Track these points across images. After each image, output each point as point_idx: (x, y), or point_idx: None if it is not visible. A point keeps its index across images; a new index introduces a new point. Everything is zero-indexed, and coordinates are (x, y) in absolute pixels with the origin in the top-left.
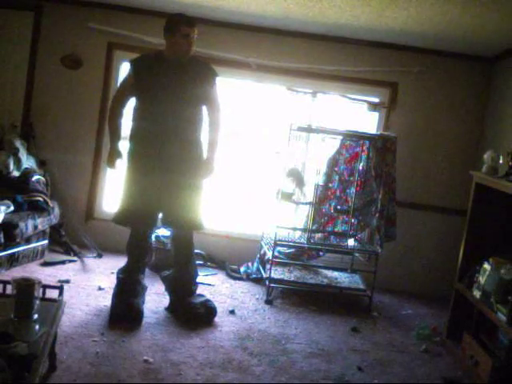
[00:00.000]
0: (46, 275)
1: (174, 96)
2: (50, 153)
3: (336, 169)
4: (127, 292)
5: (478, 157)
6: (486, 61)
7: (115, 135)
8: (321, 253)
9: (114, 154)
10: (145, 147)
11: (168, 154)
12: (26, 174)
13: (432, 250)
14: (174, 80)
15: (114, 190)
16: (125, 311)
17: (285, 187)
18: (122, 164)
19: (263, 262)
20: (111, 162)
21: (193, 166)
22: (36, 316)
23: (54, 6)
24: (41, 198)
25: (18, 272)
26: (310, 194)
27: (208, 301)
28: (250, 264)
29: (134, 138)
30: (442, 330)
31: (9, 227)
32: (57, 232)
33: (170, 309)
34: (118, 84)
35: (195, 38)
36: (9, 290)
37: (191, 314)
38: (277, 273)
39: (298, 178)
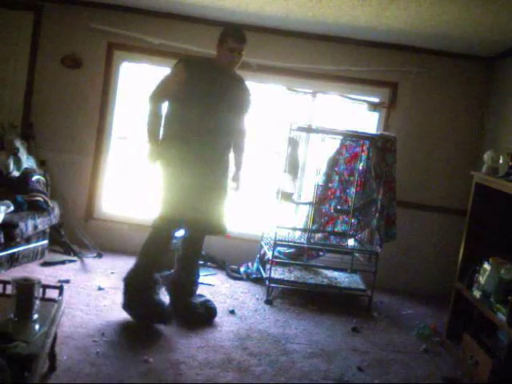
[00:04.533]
0: (46, 275)
1: (223, 106)
2: (49, 153)
3: (336, 169)
4: (148, 291)
5: (478, 157)
6: (485, 61)
7: (158, 133)
8: (321, 253)
9: (156, 152)
10: (188, 152)
11: (208, 160)
12: (26, 174)
13: (432, 250)
14: (223, 90)
15: (113, 190)
16: (152, 312)
17: (285, 187)
18: (160, 167)
19: (263, 261)
20: (153, 160)
21: (225, 172)
22: (36, 316)
23: (54, 6)
24: (41, 198)
25: (18, 272)
26: (305, 190)
27: (208, 301)
28: (250, 264)
29: (175, 140)
30: (442, 330)
31: (9, 227)
32: (57, 232)
33: (171, 307)
34: (161, 80)
35: (242, 54)
36: (9, 289)
37: (191, 313)
38: (277, 273)
39: (293, 168)
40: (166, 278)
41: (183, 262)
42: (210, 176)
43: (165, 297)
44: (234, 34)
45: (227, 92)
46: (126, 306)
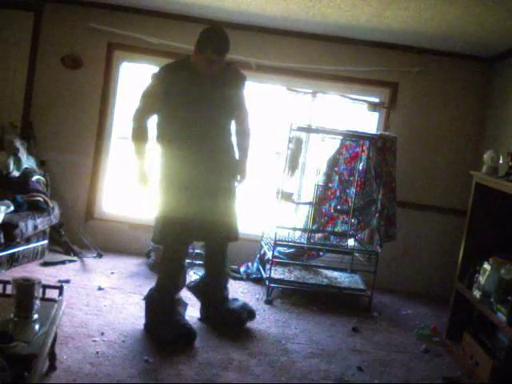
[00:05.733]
0: (46, 275)
1: (208, 107)
2: (49, 153)
3: (336, 169)
4: (172, 314)
5: (478, 157)
6: (486, 61)
7: (145, 155)
8: (321, 253)
9: (146, 174)
10: (182, 161)
11: (205, 167)
12: (26, 174)
13: (432, 250)
14: (206, 90)
15: (113, 190)
16: (178, 334)
17: (285, 187)
18: (155, 180)
19: (263, 261)
20: (144, 184)
21: (228, 174)
22: (36, 316)
23: (54, 6)
24: (41, 198)
25: (18, 272)
26: (305, 190)
27: (245, 304)
28: (249, 264)
29: (168, 151)
30: (442, 330)
31: (9, 227)
32: (57, 232)
33: (204, 317)
34: (140, 98)
35: (222, 61)
36: (9, 289)
37: (236, 320)
38: (277, 273)
39: (293, 164)
40: (194, 287)
41: (209, 268)
42: (212, 183)
43: (185, 316)
44: (214, 45)
45: (211, 89)
46: (149, 328)
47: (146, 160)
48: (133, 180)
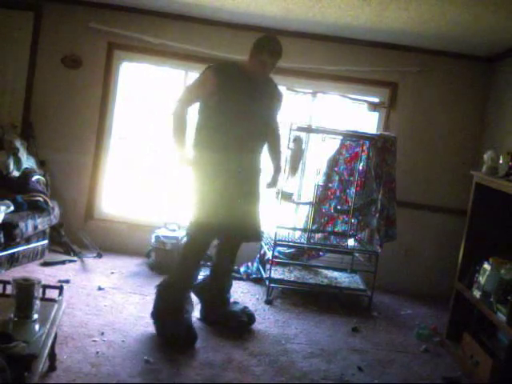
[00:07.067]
0: (46, 275)
1: (255, 111)
2: (49, 153)
3: (336, 169)
4: (181, 311)
5: (478, 157)
6: (485, 61)
7: (185, 139)
8: (321, 253)
9: (186, 157)
10: (222, 159)
11: (243, 168)
12: (26, 174)
13: (432, 250)
14: (254, 96)
15: (113, 190)
16: (183, 333)
17: (285, 187)
18: (194, 175)
19: (263, 261)
20: (186, 165)
21: (257, 178)
22: (36, 316)
23: (54, 6)
24: (41, 198)
25: (18, 272)
26: (305, 190)
27: (246, 307)
28: (249, 264)
29: (209, 148)
30: (442, 330)
31: (9, 227)
32: (57, 232)
33: (203, 317)
34: (189, 86)
35: (274, 66)
36: (9, 289)
37: (235, 323)
38: (277, 273)
39: (299, 149)
40: (197, 286)
41: (217, 270)
42: (245, 182)
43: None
44: (271, 49)
45: (259, 97)
46: (155, 318)
47: (186, 146)
48: (174, 164)
